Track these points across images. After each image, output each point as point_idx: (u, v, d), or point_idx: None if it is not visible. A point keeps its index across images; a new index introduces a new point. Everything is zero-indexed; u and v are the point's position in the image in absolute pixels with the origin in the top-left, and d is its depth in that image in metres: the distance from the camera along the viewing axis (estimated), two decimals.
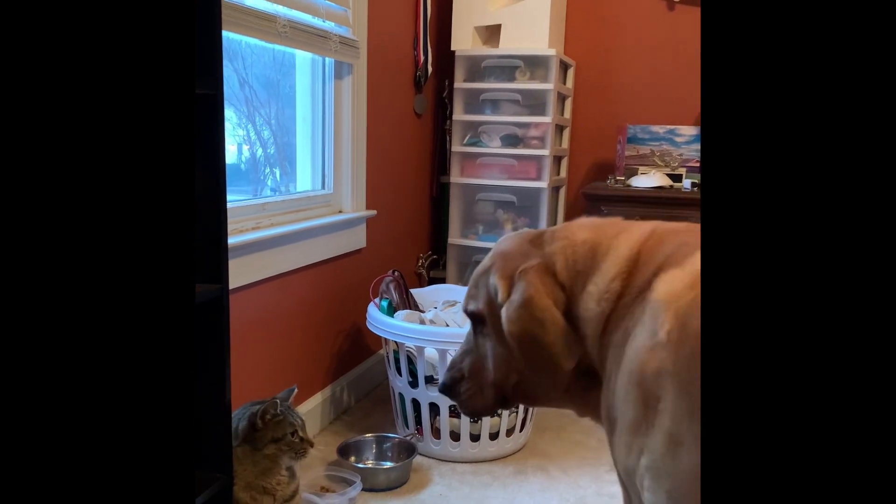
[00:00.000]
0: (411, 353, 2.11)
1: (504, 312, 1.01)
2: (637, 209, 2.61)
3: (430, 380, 2.09)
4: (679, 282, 0.88)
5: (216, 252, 1.29)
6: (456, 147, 2.96)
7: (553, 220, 3.06)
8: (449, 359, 2.04)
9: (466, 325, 1.15)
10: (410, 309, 2.34)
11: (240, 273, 1.82)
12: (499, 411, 1.36)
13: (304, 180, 2.35)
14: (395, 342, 2.11)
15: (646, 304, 0.91)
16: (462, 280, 3.02)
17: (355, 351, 2.54)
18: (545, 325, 0.99)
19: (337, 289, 2.38)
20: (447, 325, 2.26)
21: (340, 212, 2.40)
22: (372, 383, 2.65)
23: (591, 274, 1.00)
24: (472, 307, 1.10)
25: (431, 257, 3.15)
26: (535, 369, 1.02)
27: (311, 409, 2.23)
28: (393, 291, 2.31)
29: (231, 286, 1.75)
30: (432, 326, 2.14)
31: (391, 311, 2.24)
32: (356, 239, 2.46)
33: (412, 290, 2.49)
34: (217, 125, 1.25)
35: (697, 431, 0.79)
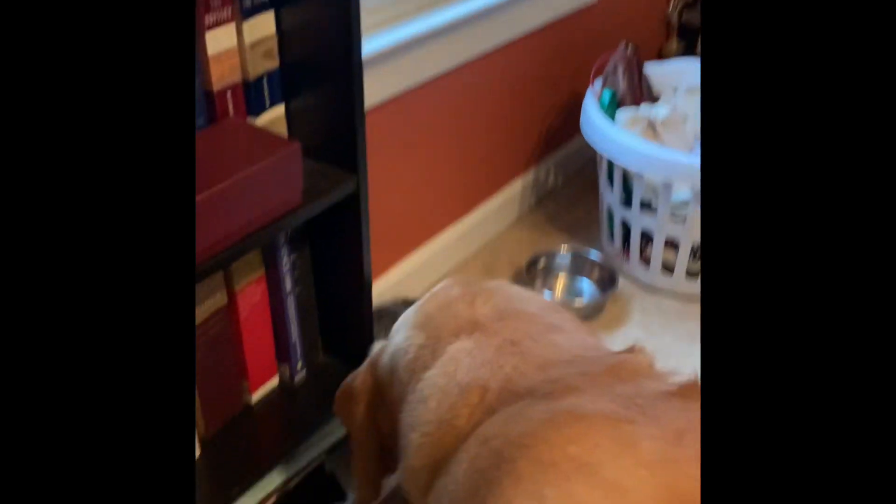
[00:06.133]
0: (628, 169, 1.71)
1: None
2: None
3: (645, 205, 1.72)
4: None
5: (350, 129, 0.96)
6: None
7: None
8: (673, 192, 1.63)
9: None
10: (642, 100, 1.86)
11: (447, 55, 1.54)
12: None
13: None
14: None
15: None
16: None
17: (569, 126, 2.15)
18: None
19: (555, 58, 1.94)
20: (685, 123, 1.79)
21: None
22: (584, 160, 2.30)
23: None
24: None
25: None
26: None
27: (510, 197, 1.98)
28: (621, 77, 1.83)
29: (436, 71, 1.51)
30: (656, 147, 1.68)
31: (613, 107, 1.79)
32: None
33: (649, 64, 1.97)
34: None
35: None
